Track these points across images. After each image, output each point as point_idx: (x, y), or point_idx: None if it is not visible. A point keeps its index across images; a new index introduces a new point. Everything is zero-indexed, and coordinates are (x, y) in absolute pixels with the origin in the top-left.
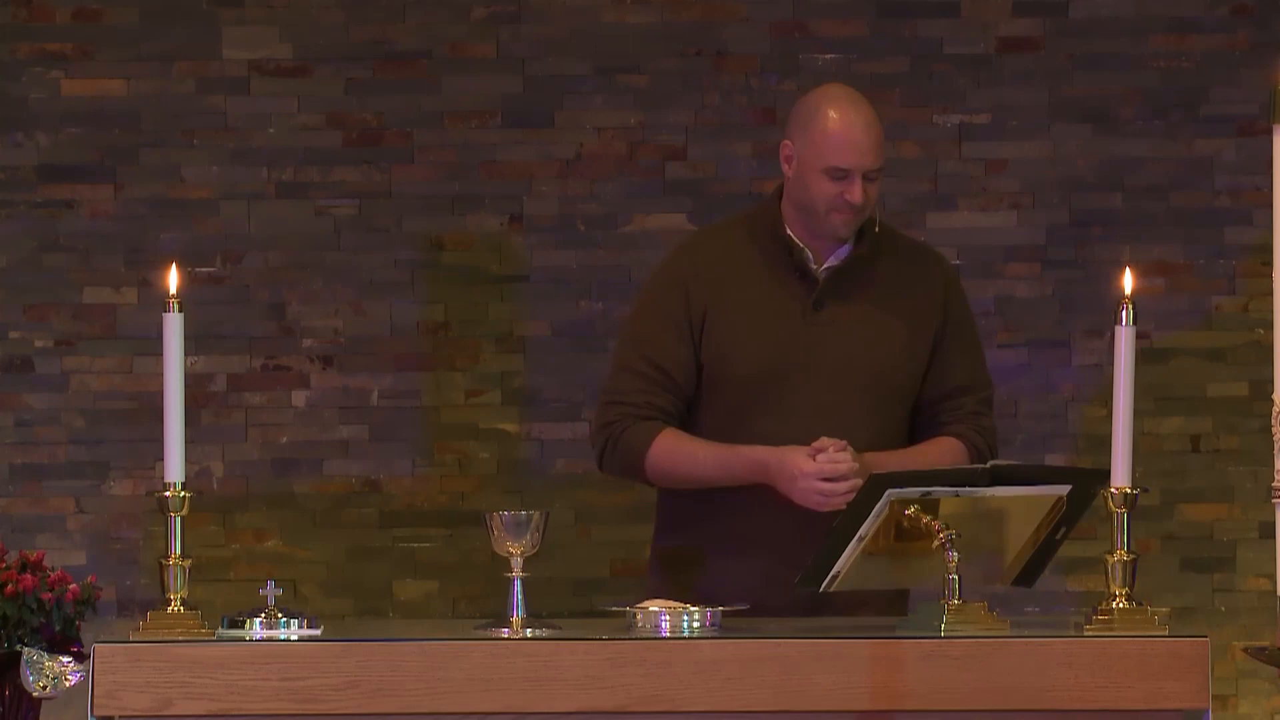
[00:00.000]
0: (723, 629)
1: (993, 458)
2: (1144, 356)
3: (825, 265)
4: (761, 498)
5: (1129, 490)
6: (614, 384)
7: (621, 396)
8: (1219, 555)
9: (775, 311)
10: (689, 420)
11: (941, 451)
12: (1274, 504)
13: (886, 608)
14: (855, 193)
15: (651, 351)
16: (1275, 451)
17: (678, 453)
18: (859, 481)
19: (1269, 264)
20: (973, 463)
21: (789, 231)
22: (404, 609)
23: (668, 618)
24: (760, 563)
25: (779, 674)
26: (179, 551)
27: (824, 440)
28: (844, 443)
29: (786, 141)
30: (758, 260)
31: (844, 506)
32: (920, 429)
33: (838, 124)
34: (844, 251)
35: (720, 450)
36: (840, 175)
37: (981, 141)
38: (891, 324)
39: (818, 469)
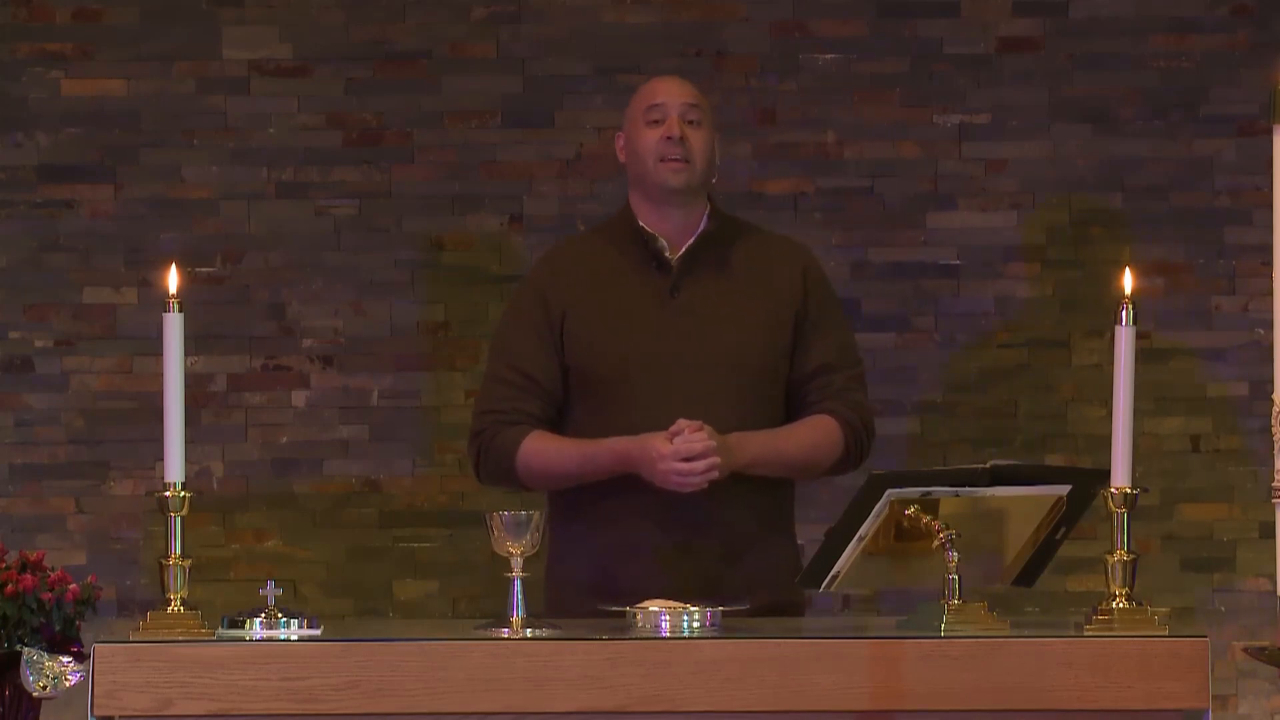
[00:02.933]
0: (723, 629)
1: (866, 433)
2: (1144, 356)
3: (682, 250)
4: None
5: (1129, 490)
6: (483, 395)
7: (490, 405)
8: (1219, 555)
9: (633, 304)
10: (562, 424)
11: (810, 428)
12: (1274, 504)
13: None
14: (673, 126)
15: (515, 360)
16: (1275, 451)
17: (545, 452)
18: (718, 459)
19: (1269, 264)
20: (845, 438)
21: (641, 224)
22: (404, 609)
23: (668, 618)
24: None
25: (779, 674)
26: (179, 551)
27: (681, 422)
28: (699, 423)
29: (619, 134)
30: (614, 258)
31: (704, 485)
32: (793, 411)
33: (648, 82)
34: (691, 241)
35: (585, 445)
36: (657, 118)
37: (981, 141)
38: (748, 305)
39: (675, 450)
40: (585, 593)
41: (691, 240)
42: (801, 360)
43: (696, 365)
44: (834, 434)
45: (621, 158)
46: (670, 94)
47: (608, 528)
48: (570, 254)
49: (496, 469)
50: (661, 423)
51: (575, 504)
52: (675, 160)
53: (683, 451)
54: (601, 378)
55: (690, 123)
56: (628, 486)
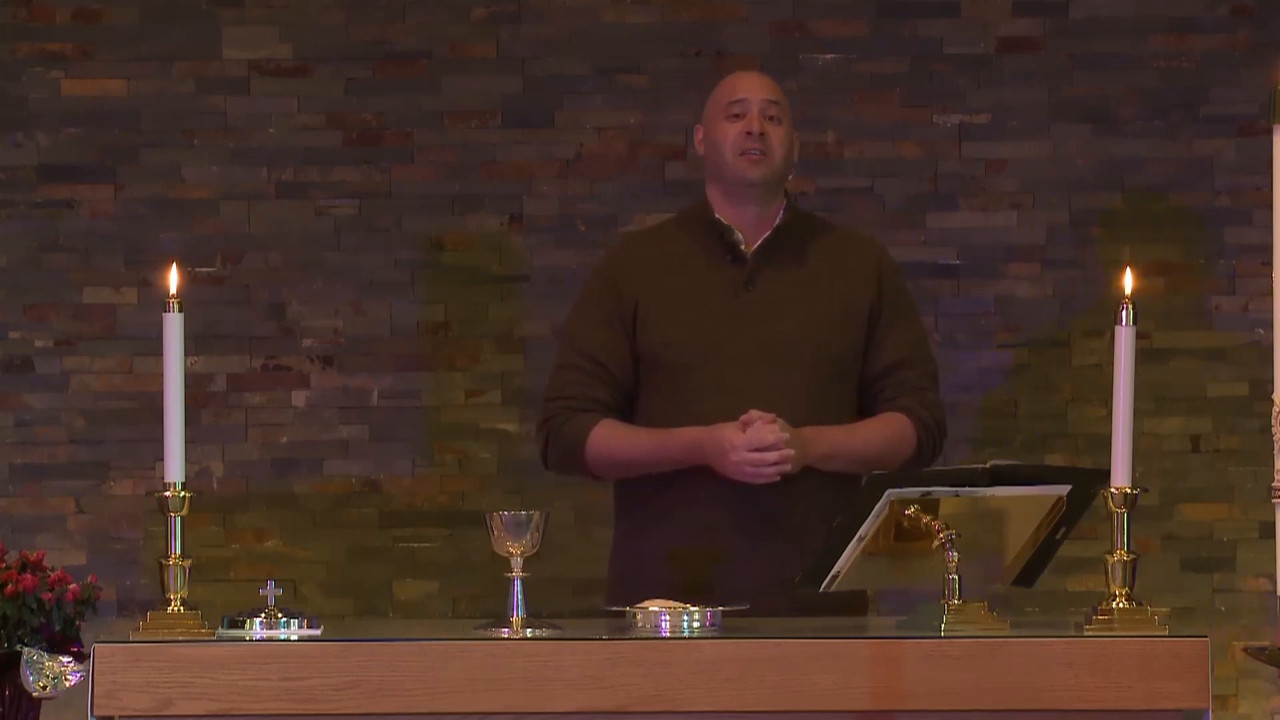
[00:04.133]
0: (723, 629)
1: (939, 431)
2: (1144, 356)
3: (757, 244)
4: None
5: (1129, 490)
6: (553, 382)
7: (560, 391)
8: (1219, 555)
9: (707, 294)
10: (632, 412)
11: (884, 425)
12: (1274, 504)
13: (847, 607)
14: (753, 121)
15: (586, 346)
16: (1275, 451)
17: (614, 440)
18: (790, 452)
19: (1269, 264)
20: (918, 436)
21: (718, 215)
22: (404, 609)
23: (668, 618)
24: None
25: (779, 674)
26: (179, 551)
27: (752, 413)
28: (772, 415)
29: (698, 126)
30: (689, 248)
31: (777, 477)
32: (866, 407)
33: (730, 76)
34: (767, 234)
35: (656, 435)
36: (738, 112)
37: (981, 141)
38: (823, 298)
39: (747, 440)
40: (650, 588)
41: (768, 233)
42: (875, 356)
43: (769, 357)
44: (908, 431)
45: (700, 150)
46: (752, 90)
47: (676, 523)
48: (644, 243)
49: (565, 456)
50: (732, 414)
51: (642, 497)
52: (754, 154)
53: (754, 442)
54: (673, 366)
55: (770, 119)
56: (696, 480)
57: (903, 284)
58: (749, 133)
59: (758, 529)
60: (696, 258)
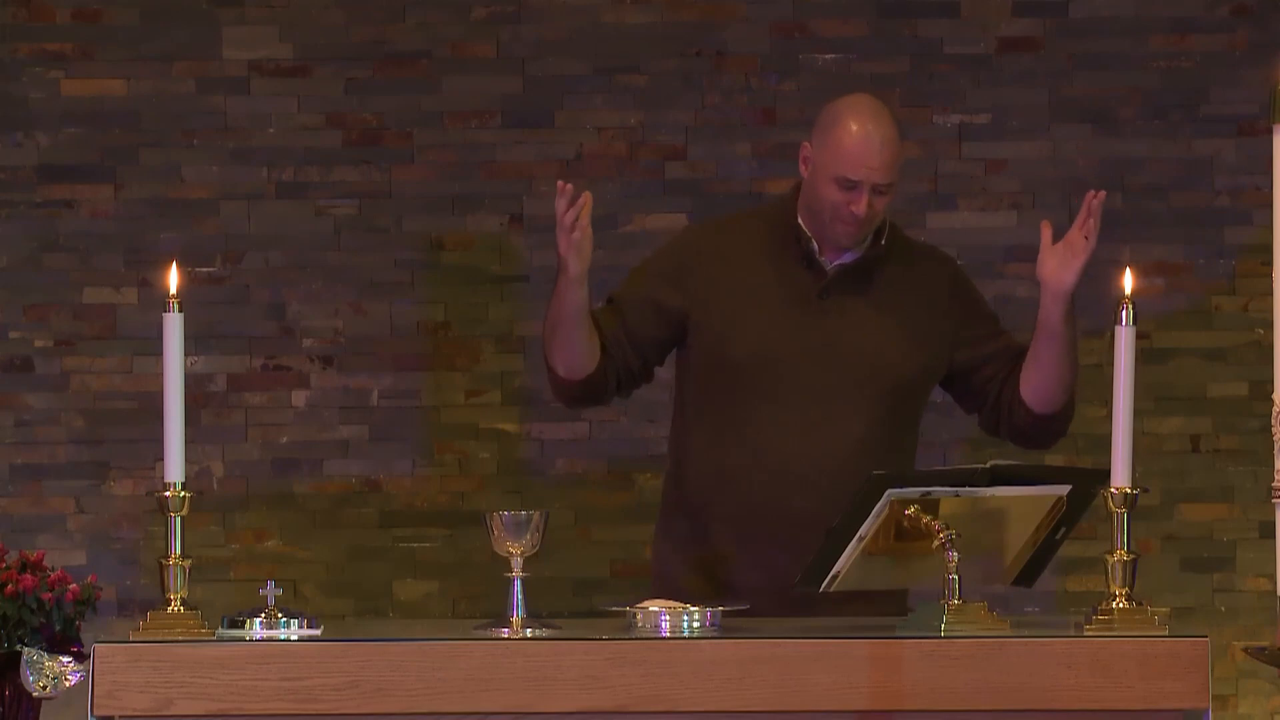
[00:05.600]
0: (723, 629)
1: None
2: (1144, 356)
3: (836, 263)
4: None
5: (1129, 490)
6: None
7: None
8: (1219, 555)
9: (779, 297)
10: (687, 404)
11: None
12: (1274, 504)
13: (887, 606)
14: (860, 205)
15: (620, 301)
16: (1275, 451)
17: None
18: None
19: (1269, 264)
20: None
21: (799, 221)
22: (404, 609)
23: (668, 618)
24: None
25: (779, 674)
26: (179, 551)
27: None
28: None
29: (806, 143)
30: (765, 246)
31: (576, 235)
32: (986, 408)
33: (855, 136)
34: (856, 257)
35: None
36: (849, 186)
37: (981, 141)
38: (896, 320)
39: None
40: (690, 574)
41: (858, 255)
42: (983, 364)
43: (833, 368)
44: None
45: (803, 170)
46: (871, 175)
47: (718, 523)
48: (720, 229)
49: (547, 366)
50: (786, 418)
51: (681, 502)
52: (853, 229)
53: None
54: (735, 363)
55: (879, 194)
56: (734, 481)
57: (976, 293)
58: (855, 214)
59: (793, 530)
60: (771, 257)
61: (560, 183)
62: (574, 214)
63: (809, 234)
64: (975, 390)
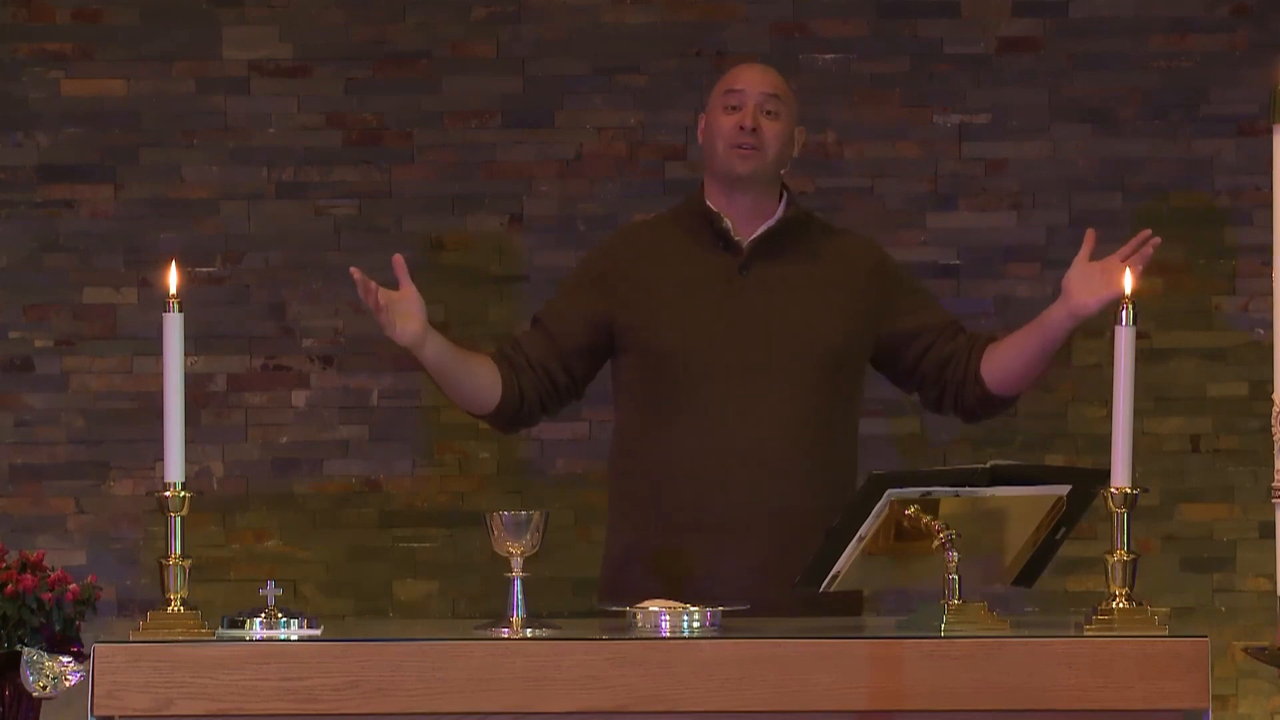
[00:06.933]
0: (723, 629)
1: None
2: (1144, 356)
3: (752, 237)
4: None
5: (1129, 490)
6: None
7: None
8: (1219, 555)
9: (701, 281)
10: (627, 405)
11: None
12: (1274, 504)
13: (839, 606)
14: (748, 115)
15: (544, 314)
16: (1275, 451)
17: None
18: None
19: (1269, 264)
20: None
21: (709, 204)
22: (404, 609)
23: (668, 618)
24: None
25: (779, 674)
26: (179, 551)
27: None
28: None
29: (701, 115)
30: (681, 236)
31: (383, 319)
32: (928, 382)
33: (735, 65)
34: (770, 224)
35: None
36: (735, 104)
37: (981, 141)
38: (819, 289)
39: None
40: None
41: (772, 222)
42: (912, 337)
43: (764, 344)
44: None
45: (700, 139)
46: (751, 82)
47: (660, 522)
48: (638, 233)
49: None
50: (725, 398)
51: (630, 493)
52: (746, 148)
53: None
54: (666, 353)
55: (768, 113)
56: (677, 474)
57: (905, 272)
58: (742, 126)
59: (744, 520)
60: (689, 246)
61: (352, 269)
62: (373, 298)
63: (719, 212)
64: (909, 366)
